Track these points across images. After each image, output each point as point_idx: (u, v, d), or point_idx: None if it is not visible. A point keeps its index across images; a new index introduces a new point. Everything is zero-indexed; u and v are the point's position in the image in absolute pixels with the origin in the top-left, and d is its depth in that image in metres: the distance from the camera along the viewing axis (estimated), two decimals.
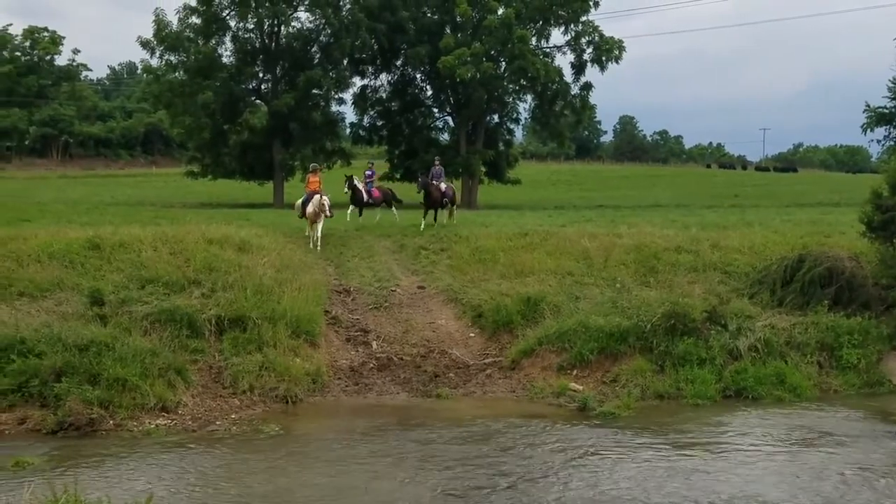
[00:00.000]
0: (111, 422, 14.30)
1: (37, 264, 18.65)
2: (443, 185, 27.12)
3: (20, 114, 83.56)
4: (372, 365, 17.95)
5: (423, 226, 26.22)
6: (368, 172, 29.55)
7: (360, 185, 27.77)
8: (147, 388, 14.93)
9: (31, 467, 12.10)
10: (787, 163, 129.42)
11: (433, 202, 26.66)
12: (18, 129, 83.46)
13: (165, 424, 14.64)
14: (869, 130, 44.04)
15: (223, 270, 18.99)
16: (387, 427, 14.92)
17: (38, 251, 19.21)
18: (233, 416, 15.21)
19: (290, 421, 15.17)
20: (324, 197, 23.74)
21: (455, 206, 28.06)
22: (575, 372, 17.51)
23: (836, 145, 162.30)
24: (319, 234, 23.75)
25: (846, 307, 18.95)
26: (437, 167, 27.92)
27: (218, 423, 14.89)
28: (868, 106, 42.86)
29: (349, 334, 19.10)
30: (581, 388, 16.91)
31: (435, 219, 26.86)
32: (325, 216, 23.82)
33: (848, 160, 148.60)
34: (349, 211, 27.56)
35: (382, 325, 19.48)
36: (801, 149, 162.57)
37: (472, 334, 19.41)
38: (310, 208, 23.78)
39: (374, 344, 18.74)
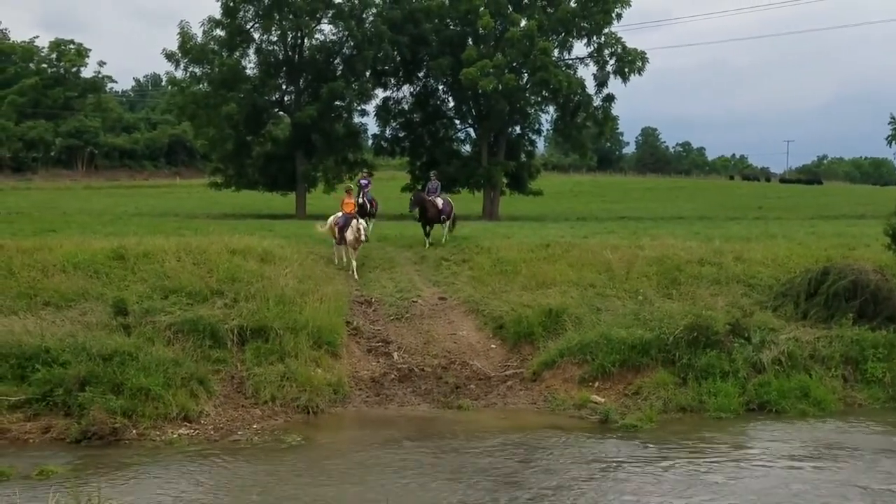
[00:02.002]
0: (134, 431, 14.40)
1: (62, 274, 18.83)
2: (439, 201, 25.81)
3: (46, 125, 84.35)
4: (393, 376, 17.96)
5: (426, 243, 25.25)
6: (364, 182, 28.80)
7: (362, 197, 26.51)
8: (170, 398, 15.03)
9: (56, 476, 12.21)
10: (811, 175, 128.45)
11: (429, 219, 25.37)
12: (44, 141, 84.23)
13: (188, 434, 14.72)
14: (894, 142, 43.67)
15: (246, 281, 19.10)
16: (408, 438, 14.92)
17: (63, 261, 19.40)
18: (255, 427, 15.28)
19: (311, 431, 15.21)
20: (360, 222, 22.66)
21: (453, 221, 26.42)
22: (597, 384, 17.45)
23: (860, 157, 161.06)
24: (355, 262, 22.49)
25: (871, 320, 18.77)
26: (434, 182, 27.15)
27: (240, 433, 14.96)
28: (893, 118, 42.45)
29: (370, 345, 19.13)
30: (603, 400, 16.84)
31: (429, 234, 25.41)
32: (365, 241, 22.77)
33: (873, 172, 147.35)
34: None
35: (404, 336, 19.50)
36: (825, 161, 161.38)
37: (493, 346, 19.38)
38: (350, 235, 22.33)
39: (396, 355, 18.76)
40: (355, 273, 22.20)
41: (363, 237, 22.46)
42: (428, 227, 25.45)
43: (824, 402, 16.96)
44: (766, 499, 11.95)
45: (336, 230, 22.96)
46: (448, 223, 26.04)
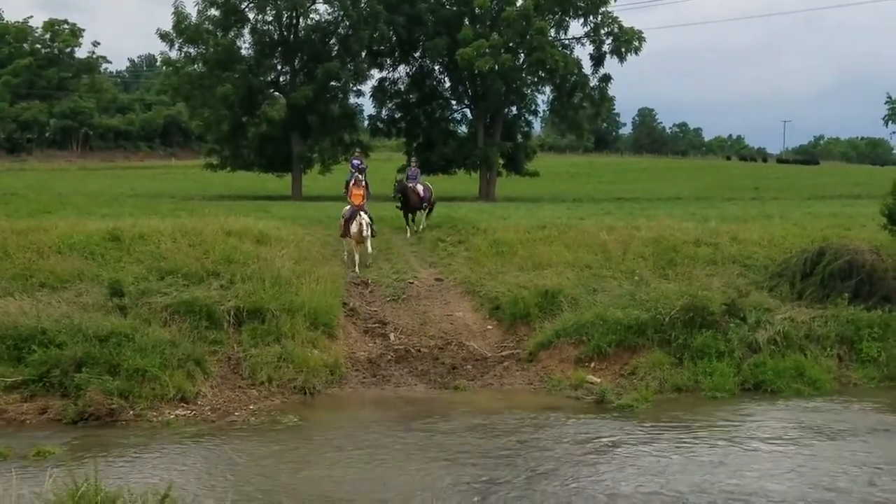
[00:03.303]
0: (131, 412, 14.41)
1: (57, 256, 18.80)
2: (420, 188, 25.43)
3: (40, 106, 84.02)
4: (389, 357, 17.99)
5: (409, 232, 25.02)
6: (356, 162, 28.49)
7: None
8: (166, 379, 15.04)
9: (52, 457, 12.22)
10: (807, 155, 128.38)
11: (412, 206, 25.03)
12: (39, 122, 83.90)
13: (185, 415, 14.75)
14: (891, 122, 43.70)
15: (242, 262, 19.08)
16: (404, 419, 14.96)
17: (58, 243, 19.37)
18: (251, 407, 15.30)
19: (308, 412, 15.24)
20: (363, 216, 21.68)
21: (432, 207, 26.04)
22: (593, 364, 17.49)
23: (857, 138, 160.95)
24: (368, 251, 21.84)
25: (866, 300, 18.80)
26: (414, 168, 26.76)
27: (237, 413, 14.98)
28: (890, 98, 42.53)
29: (367, 326, 19.14)
30: (599, 380, 16.89)
31: (412, 221, 25.20)
32: (370, 237, 21.88)
33: (869, 153, 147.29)
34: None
35: (400, 318, 19.52)
36: (822, 141, 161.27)
37: (489, 326, 19.41)
38: (354, 228, 21.50)
39: (392, 336, 18.78)
40: (357, 268, 21.57)
41: (366, 231, 21.58)
42: (410, 215, 25.11)
43: (819, 381, 17.01)
44: (760, 477, 12.00)
45: (342, 223, 22.20)
46: (428, 207, 25.78)
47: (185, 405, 15.02)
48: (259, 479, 11.97)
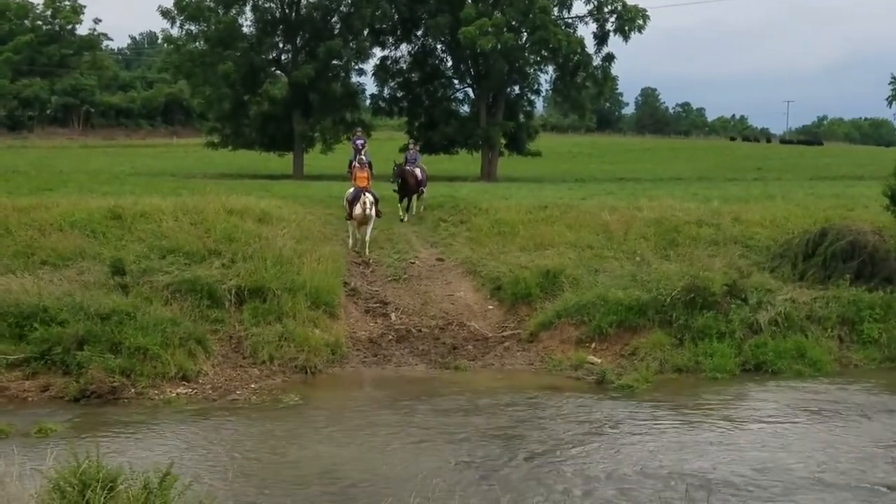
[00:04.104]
0: (133, 390, 14.46)
1: (59, 233, 18.80)
2: (417, 171, 25.00)
3: (42, 83, 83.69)
4: (391, 336, 18.01)
5: (405, 216, 24.48)
6: (360, 142, 28.09)
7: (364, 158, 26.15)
8: (168, 358, 15.08)
9: (54, 434, 12.28)
10: (810, 136, 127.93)
11: (409, 190, 24.51)
12: (40, 99, 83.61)
13: (186, 393, 14.80)
14: (895, 103, 43.49)
15: (243, 241, 19.08)
16: (405, 398, 15.01)
17: (59, 220, 19.37)
18: (253, 386, 15.34)
19: (309, 391, 15.28)
20: (367, 195, 21.09)
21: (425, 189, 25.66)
22: (593, 345, 17.52)
23: (860, 118, 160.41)
24: (368, 238, 21.31)
25: (868, 281, 18.81)
26: (413, 151, 26.14)
27: (238, 392, 15.03)
28: (894, 78, 42.30)
29: (368, 306, 19.16)
30: (599, 361, 16.92)
31: (409, 207, 24.71)
32: (374, 218, 21.37)
33: (873, 133, 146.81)
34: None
35: (401, 297, 19.53)
36: (825, 121, 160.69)
37: (490, 307, 19.42)
38: (358, 209, 21.00)
39: (393, 316, 18.79)
40: (367, 250, 21.21)
41: (370, 212, 21.06)
42: (406, 200, 24.63)
43: (820, 362, 17.04)
44: (760, 458, 12.04)
45: (346, 205, 21.72)
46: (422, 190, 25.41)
47: (186, 383, 15.07)
48: (260, 457, 12.02)
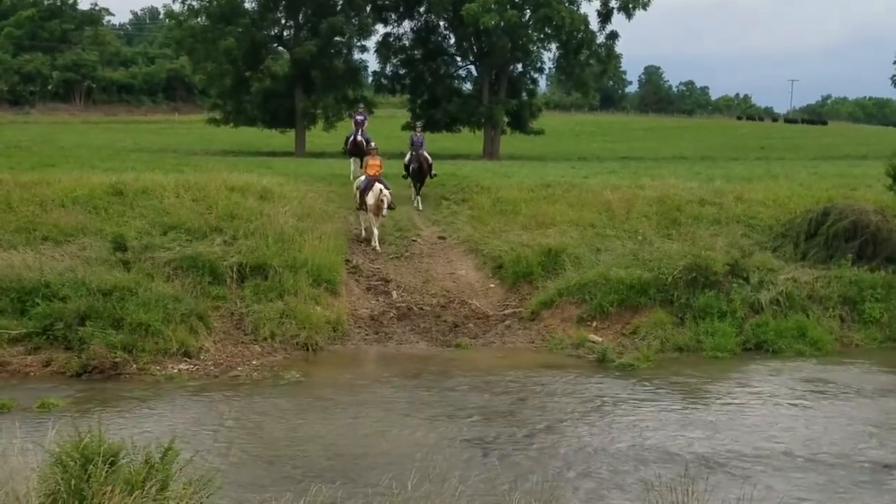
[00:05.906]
0: (134, 366, 14.50)
1: (60, 209, 18.79)
2: (425, 153, 23.86)
3: (43, 58, 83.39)
4: (392, 314, 18.03)
5: (420, 205, 23.38)
6: (360, 118, 27.71)
7: (360, 135, 25.78)
8: (169, 334, 15.12)
9: (56, 409, 12.32)
10: (814, 115, 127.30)
11: (423, 175, 23.49)
12: (41, 74, 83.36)
13: (187, 369, 14.84)
14: None
15: (245, 218, 19.07)
16: (406, 376, 15.04)
17: (61, 196, 19.35)
18: (254, 363, 15.38)
19: (310, 368, 15.33)
20: (383, 189, 20.04)
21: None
22: (594, 323, 17.53)
23: (865, 98, 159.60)
24: (377, 229, 20.47)
25: (870, 261, 18.80)
26: (419, 134, 24.74)
27: (239, 368, 15.07)
28: None
29: (370, 283, 19.17)
30: (600, 339, 16.93)
31: (419, 191, 23.61)
32: (387, 209, 20.29)
33: (877, 113, 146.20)
34: (351, 161, 25.99)
35: (403, 275, 19.53)
36: (829, 101, 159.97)
37: (492, 285, 19.43)
38: (370, 199, 20.02)
39: (395, 293, 18.80)
40: (377, 244, 20.46)
41: (386, 203, 20.04)
42: (418, 184, 23.66)
43: (821, 342, 17.07)
44: (760, 436, 12.07)
45: (357, 194, 20.84)
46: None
47: (188, 360, 15.11)
48: (261, 433, 12.07)
